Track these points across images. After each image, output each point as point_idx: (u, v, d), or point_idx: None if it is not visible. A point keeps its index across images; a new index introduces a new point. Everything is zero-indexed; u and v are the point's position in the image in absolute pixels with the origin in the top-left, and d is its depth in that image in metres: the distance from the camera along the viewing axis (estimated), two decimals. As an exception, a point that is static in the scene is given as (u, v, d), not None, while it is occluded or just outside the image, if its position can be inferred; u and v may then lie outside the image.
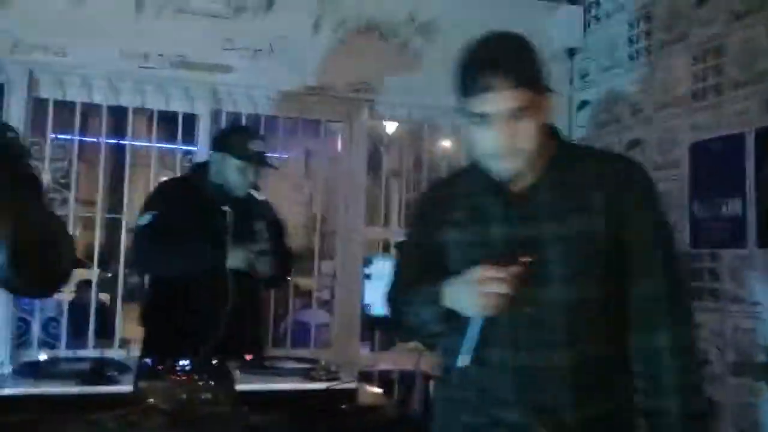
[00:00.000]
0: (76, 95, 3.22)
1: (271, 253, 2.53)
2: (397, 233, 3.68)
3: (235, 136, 2.79)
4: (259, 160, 2.72)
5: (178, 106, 3.41)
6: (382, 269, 2.26)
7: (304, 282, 4.45)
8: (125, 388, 2.00)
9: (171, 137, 3.56)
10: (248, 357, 2.29)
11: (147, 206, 2.70)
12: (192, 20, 3.27)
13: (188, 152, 3.74)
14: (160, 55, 3.24)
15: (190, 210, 2.63)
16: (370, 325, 2.58)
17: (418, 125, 3.81)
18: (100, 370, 2.04)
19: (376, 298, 2.20)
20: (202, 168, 2.87)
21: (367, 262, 2.25)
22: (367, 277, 2.22)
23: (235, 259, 2.50)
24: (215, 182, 2.74)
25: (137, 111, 3.39)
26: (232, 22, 3.34)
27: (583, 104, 3.81)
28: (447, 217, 1.52)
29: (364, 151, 3.68)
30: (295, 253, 3.01)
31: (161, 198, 2.75)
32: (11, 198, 1.15)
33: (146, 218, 2.60)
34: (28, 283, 1.20)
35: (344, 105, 3.61)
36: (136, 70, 3.22)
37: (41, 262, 1.19)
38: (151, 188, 3.08)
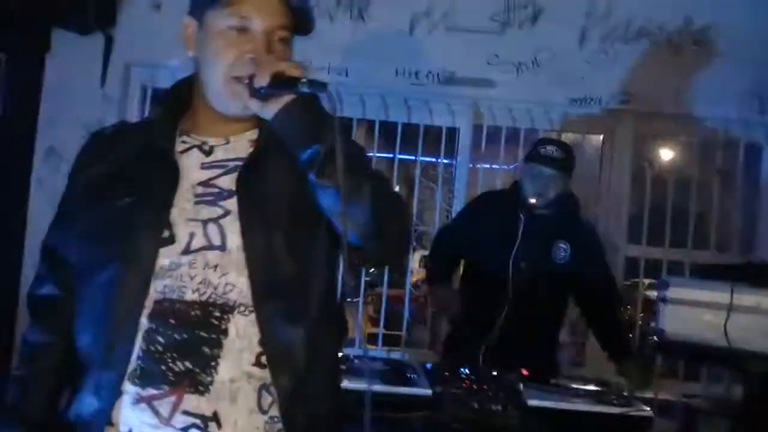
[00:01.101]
0: (353, 112, 3.46)
1: None
2: (666, 252, 3.49)
3: (535, 144, 2.83)
4: (546, 162, 2.65)
5: (442, 121, 3.53)
6: (684, 293, 2.14)
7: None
8: (423, 391, 2.08)
9: (434, 152, 3.68)
10: (525, 372, 2.29)
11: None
12: (459, 37, 3.37)
13: (448, 165, 3.85)
14: (429, 72, 3.37)
15: (492, 216, 2.74)
16: (668, 351, 2.44)
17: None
18: (400, 371, 2.15)
19: (676, 323, 2.10)
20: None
21: (664, 284, 2.14)
22: (663, 300, 2.11)
23: None
24: (520, 190, 2.75)
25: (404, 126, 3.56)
26: (498, 37, 3.39)
27: None
28: None
29: (628, 165, 3.52)
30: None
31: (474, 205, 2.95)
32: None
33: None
34: (388, 245, 1.16)
35: (606, 117, 3.50)
36: (407, 88, 3.38)
37: (398, 222, 1.16)
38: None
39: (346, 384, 2.11)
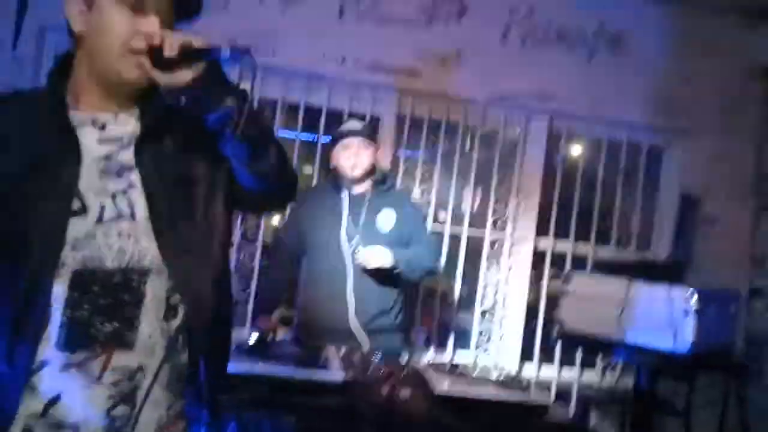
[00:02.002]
0: (277, 92, 3.44)
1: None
2: (571, 246, 3.69)
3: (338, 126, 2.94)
4: (353, 134, 2.79)
5: (365, 108, 3.56)
6: (584, 287, 2.27)
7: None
8: (334, 376, 2.14)
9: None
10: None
11: None
12: (387, 27, 3.40)
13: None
14: (357, 58, 3.39)
15: (317, 206, 2.85)
16: (567, 342, 2.58)
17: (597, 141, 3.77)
18: (314, 356, 2.19)
19: (572, 315, 2.22)
20: None
21: (567, 278, 2.26)
22: (564, 293, 2.23)
23: None
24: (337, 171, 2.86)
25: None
26: (425, 30, 3.44)
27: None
28: None
29: (541, 160, 3.68)
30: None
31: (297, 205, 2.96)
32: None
33: None
34: (282, 191, 1.39)
35: (524, 114, 3.63)
36: (332, 72, 3.39)
37: (289, 172, 1.38)
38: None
39: (262, 369, 2.16)
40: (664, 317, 2.18)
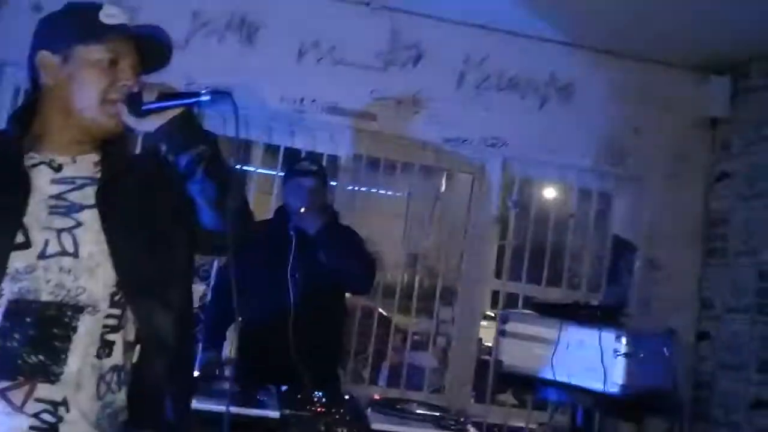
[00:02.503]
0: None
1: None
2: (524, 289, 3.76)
3: (290, 164, 2.97)
4: (306, 174, 2.81)
5: (324, 148, 3.64)
6: (520, 328, 2.33)
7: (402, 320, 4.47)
8: (271, 413, 2.15)
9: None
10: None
11: None
12: (345, 70, 3.51)
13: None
14: (313, 100, 3.48)
15: (264, 245, 2.72)
16: (504, 381, 2.62)
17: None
18: (251, 393, 2.21)
19: (512, 355, 2.27)
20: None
21: (504, 318, 2.31)
22: (502, 333, 2.29)
23: None
24: (286, 210, 2.87)
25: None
26: (382, 75, 3.55)
27: (723, 176, 3.74)
28: None
29: (496, 203, 3.76)
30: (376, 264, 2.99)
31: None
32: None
33: None
34: (241, 229, 1.41)
35: (478, 157, 3.73)
36: (291, 113, 3.47)
37: (249, 212, 1.48)
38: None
39: (201, 405, 2.18)
40: (595, 358, 2.24)
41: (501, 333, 2.34)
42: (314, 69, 3.50)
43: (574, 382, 2.30)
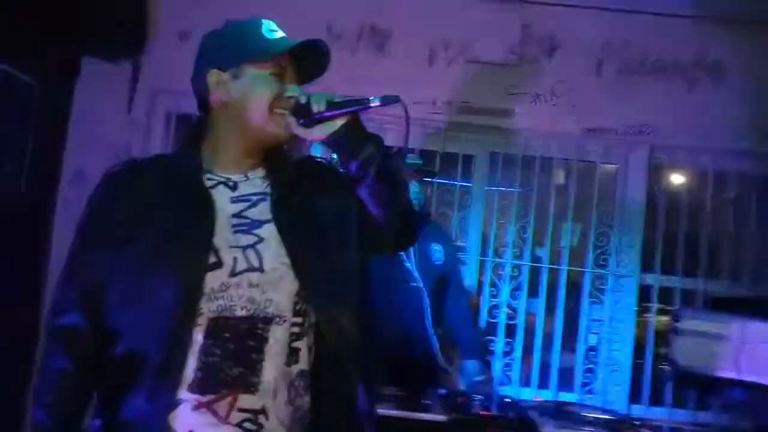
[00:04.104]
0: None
1: None
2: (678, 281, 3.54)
3: None
4: None
5: (459, 148, 3.60)
6: (695, 325, 2.17)
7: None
8: (437, 417, 2.14)
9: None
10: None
11: None
12: (479, 69, 3.45)
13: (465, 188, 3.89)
14: (448, 102, 3.45)
15: None
16: (681, 381, 2.47)
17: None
18: (415, 397, 2.21)
19: (684, 354, 2.13)
20: None
21: (678, 315, 2.18)
22: (675, 331, 2.15)
23: None
24: None
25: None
26: (517, 69, 3.46)
27: None
28: None
29: (643, 194, 3.57)
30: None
31: None
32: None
33: None
34: (402, 235, 1.47)
35: (622, 147, 3.56)
36: (425, 116, 3.45)
37: (414, 211, 1.52)
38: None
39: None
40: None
41: (674, 331, 2.19)
42: (446, 70, 3.47)
43: (762, 381, 2.11)
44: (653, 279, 3.60)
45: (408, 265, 2.76)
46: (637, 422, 2.26)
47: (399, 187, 1.38)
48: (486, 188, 3.64)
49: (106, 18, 3.14)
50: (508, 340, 3.58)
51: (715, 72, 3.48)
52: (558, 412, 2.33)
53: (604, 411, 2.39)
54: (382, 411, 2.17)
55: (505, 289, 3.58)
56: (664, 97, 3.46)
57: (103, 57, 3.28)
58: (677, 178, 3.78)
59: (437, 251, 2.86)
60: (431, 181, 3.09)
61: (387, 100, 1.29)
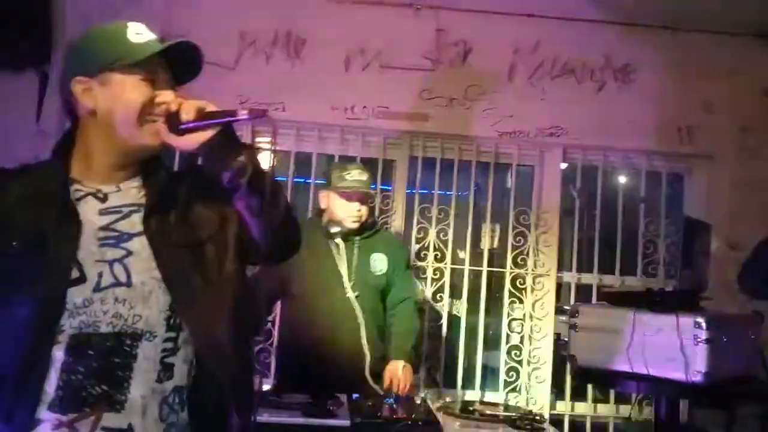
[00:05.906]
0: (292, 146, 3.55)
1: None
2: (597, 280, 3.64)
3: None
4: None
5: (377, 153, 3.63)
6: (592, 320, 2.23)
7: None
8: (342, 422, 2.14)
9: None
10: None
11: None
12: (394, 74, 3.49)
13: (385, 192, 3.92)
14: (364, 107, 3.48)
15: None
16: (581, 377, 2.51)
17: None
18: (321, 404, 2.20)
19: (583, 349, 2.18)
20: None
21: (574, 312, 2.23)
22: (573, 327, 2.20)
23: None
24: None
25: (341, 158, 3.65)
26: (431, 74, 3.51)
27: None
28: None
29: (557, 194, 3.66)
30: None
31: None
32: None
33: None
34: (282, 245, 1.44)
35: (535, 149, 3.64)
36: (343, 121, 3.48)
37: (295, 221, 1.48)
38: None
39: (267, 418, 2.19)
40: (674, 347, 2.12)
41: (572, 327, 2.25)
42: (362, 75, 3.49)
43: (654, 373, 2.18)
44: (570, 277, 3.69)
45: (343, 275, 2.72)
46: (538, 417, 2.30)
47: (275, 197, 1.33)
48: (406, 192, 3.68)
49: (9, 27, 3.06)
50: (433, 342, 3.62)
51: (622, 75, 3.59)
52: (463, 411, 2.35)
53: (508, 408, 2.43)
54: (286, 419, 2.17)
55: (428, 292, 3.62)
56: (575, 100, 3.56)
57: (8, 67, 3.20)
58: (590, 178, 3.88)
59: (379, 261, 2.81)
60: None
61: (255, 114, 1.26)
